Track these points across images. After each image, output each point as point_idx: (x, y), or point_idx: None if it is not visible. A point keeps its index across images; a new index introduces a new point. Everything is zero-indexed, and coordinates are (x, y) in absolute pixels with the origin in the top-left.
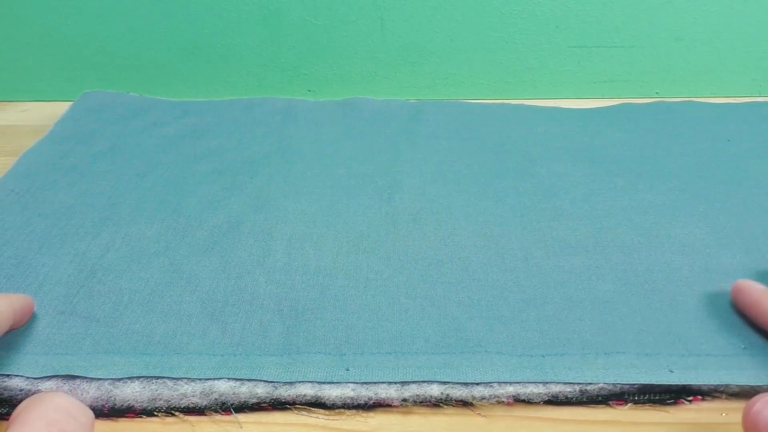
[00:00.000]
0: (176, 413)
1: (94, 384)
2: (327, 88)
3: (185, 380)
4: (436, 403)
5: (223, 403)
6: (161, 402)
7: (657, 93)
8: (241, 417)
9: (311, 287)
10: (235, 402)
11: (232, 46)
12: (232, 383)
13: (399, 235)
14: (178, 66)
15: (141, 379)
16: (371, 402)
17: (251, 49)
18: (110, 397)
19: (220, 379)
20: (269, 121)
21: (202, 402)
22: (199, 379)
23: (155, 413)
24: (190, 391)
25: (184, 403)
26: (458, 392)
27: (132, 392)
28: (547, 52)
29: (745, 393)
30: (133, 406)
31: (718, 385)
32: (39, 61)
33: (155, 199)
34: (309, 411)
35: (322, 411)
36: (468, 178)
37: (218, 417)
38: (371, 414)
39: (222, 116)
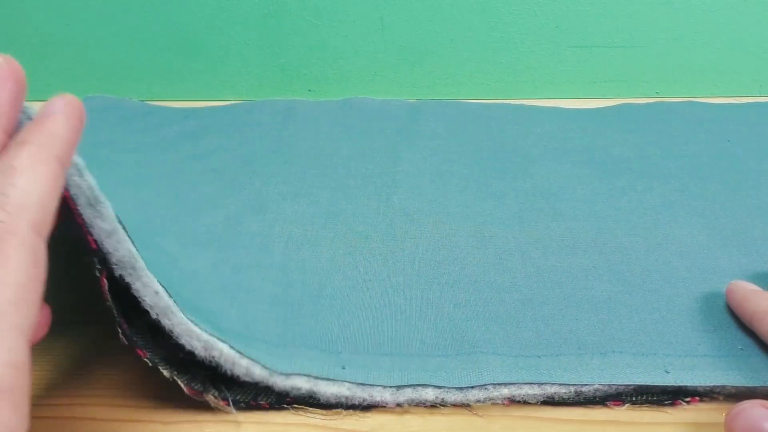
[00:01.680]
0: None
1: None
2: (327, 88)
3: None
4: (432, 406)
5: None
6: None
7: (657, 93)
8: (240, 417)
9: (308, 287)
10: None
11: (232, 46)
12: (232, 353)
13: (397, 235)
14: (178, 66)
15: None
16: (366, 403)
17: (251, 49)
18: None
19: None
20: (269, 121)
21: (202, 354)
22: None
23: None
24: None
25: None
26: (453, 396)
27: None
28: (547, 52)
29: (742, 394)
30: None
31: (715, 386)
32: (39, 61)
33: (153, 196)
34: (306, 411)
35: (319, 411)
36: (467, 178)
37: (217, 417)
38: (369, 414)
39: (222, 119)
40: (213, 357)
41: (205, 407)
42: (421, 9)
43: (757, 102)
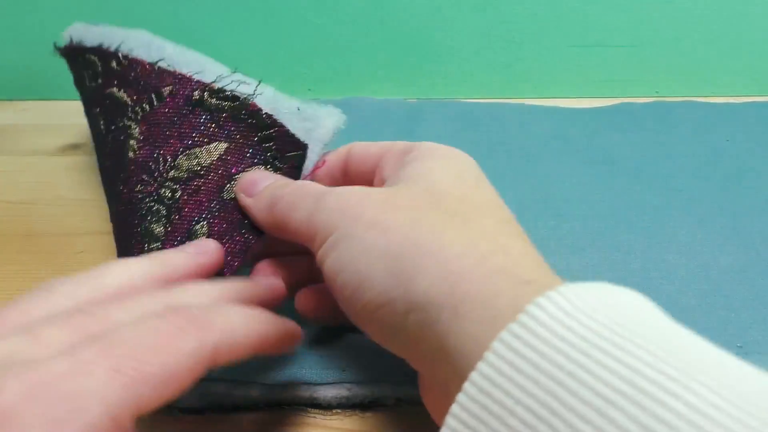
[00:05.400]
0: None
1: None
2: (327, 87)
3: None
4: None
5: (220, 405)
6: None
7: (657, 93)
8: (240, 417)
9: None
10: (230, 404)
11: (231, 45)
12: (227, 385)
13: None
14: None
15: None
16: (367, 401)
17: (251, 49)
18: None
19: (217, 381)
20: None
21: (200, 404)
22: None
23: None
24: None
25: (180, 404)
26: None
27: None
28: (547, 52)
29: None
30: None
31: None
32: (39, 61)
33: None
34: (306, 411)
35: (319, 411)
36: None
37: (217, 416)
38: (369, 413)
39: None
40: (211, 401)
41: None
42: (421, 9)
43: (756, 102)
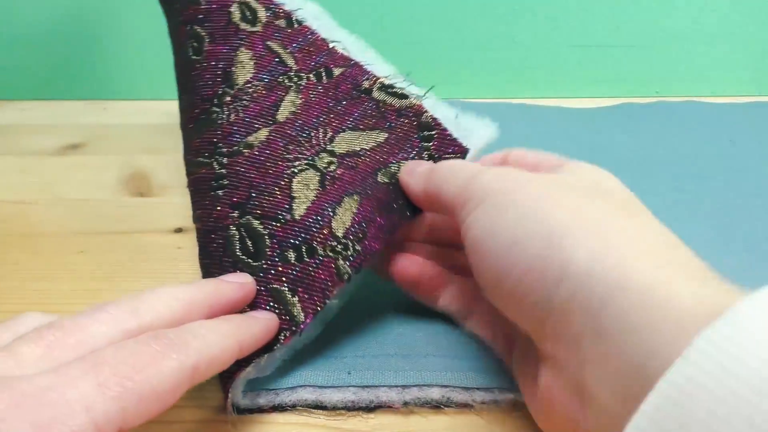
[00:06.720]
0: None
1: None
2: None
3: None
4: (437, 406)
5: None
6: None
7: (657, 92)
8: (241, 415)
9: None
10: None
11: None
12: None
13: None
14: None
15: None
16: (373, 405)
17: None
18: None
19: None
20: None
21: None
22: None
23: None
24: None
25: None
26: (459, 396)
27: None
28: (547, 51)
29: None
30: None
31: None
32: (39, 61)
33: None
34: (309, 412)
35: (322, 412)
36: None
37: (218, 416)
38: (372, 414)
39: None
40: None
41: (207, 406)
42: (421, 9)
43: (757, 101)
